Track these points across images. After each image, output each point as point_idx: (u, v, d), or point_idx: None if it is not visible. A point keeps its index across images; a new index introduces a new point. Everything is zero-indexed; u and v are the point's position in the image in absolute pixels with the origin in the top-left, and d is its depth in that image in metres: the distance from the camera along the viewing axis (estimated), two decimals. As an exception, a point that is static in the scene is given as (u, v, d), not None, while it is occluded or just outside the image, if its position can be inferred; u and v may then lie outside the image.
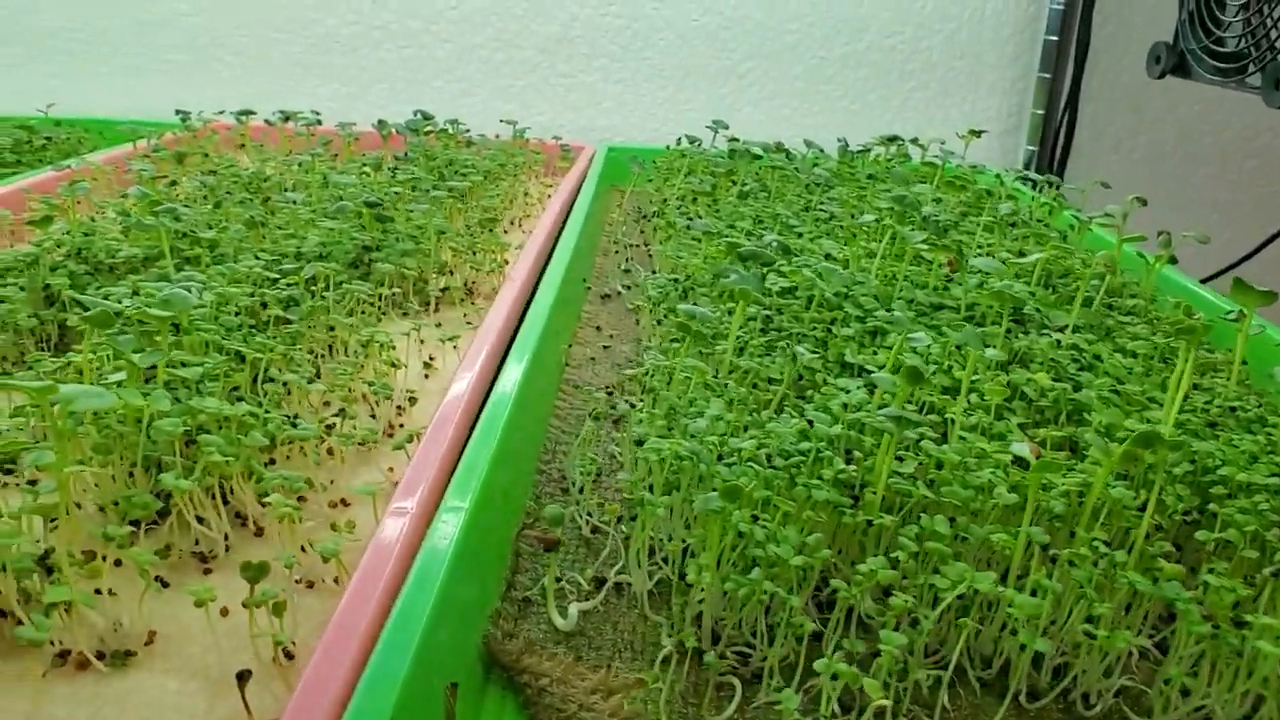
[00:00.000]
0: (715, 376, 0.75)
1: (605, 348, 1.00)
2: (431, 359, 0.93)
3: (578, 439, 0.76)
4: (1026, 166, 1.98)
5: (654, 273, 1.15)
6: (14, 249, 1.10)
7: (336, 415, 0.76)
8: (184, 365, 0.68)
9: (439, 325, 1.02)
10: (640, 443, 0.63)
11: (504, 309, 0.90)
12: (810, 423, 0.65)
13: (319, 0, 1.93)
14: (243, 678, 0.49)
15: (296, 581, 0.60)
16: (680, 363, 0.73)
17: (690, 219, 1.08)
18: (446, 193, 1.24)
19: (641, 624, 0.59)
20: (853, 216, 1.12)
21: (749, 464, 0.59)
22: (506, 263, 1.12)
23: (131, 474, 0.64)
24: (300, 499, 0.66)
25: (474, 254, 1.08)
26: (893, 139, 1.53)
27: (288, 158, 1.49)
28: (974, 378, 0.73)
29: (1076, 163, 1.92)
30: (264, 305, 0.86)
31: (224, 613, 0.58)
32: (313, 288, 0.93)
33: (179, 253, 1.00)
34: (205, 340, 0.73)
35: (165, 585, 0.60)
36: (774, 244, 0.92)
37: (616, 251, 1.31)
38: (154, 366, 0.66)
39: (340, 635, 0.47)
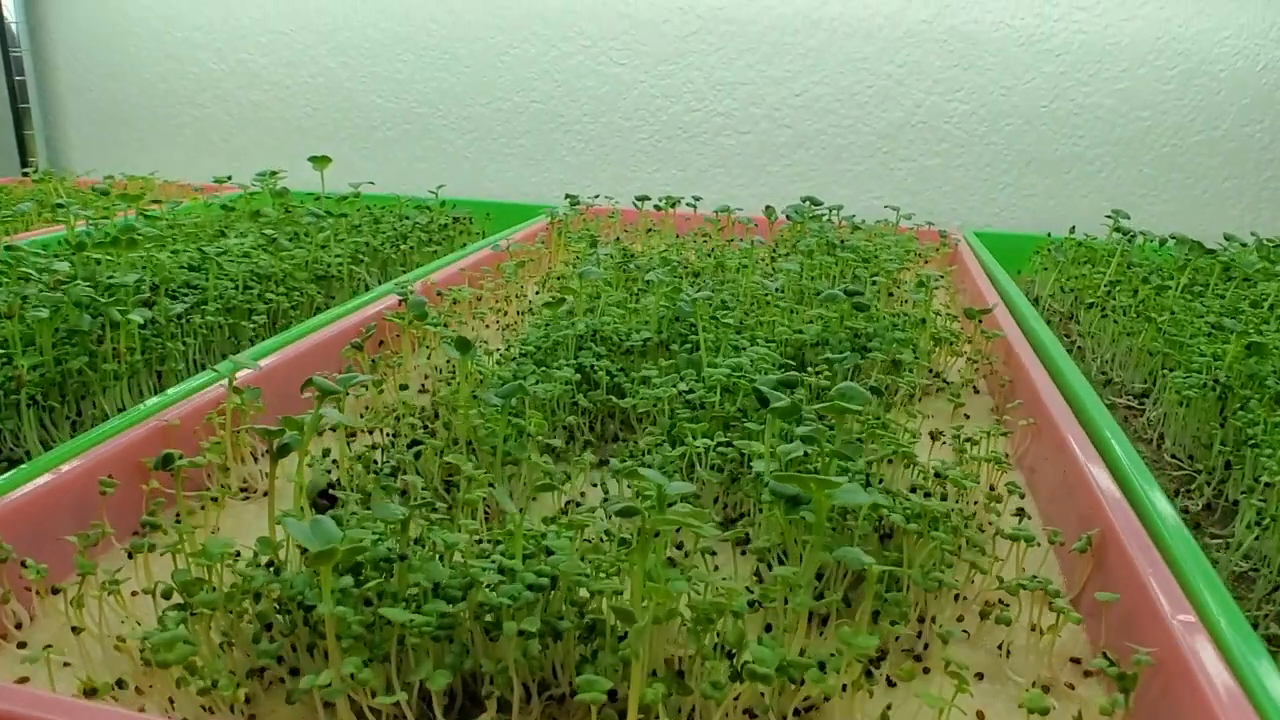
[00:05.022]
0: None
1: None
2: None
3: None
4: None
5: (1102, 358, 1.10)
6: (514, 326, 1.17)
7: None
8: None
9: (930, 416, 0.99)
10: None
11: (1056, 409, 0.86)
12: None
13: (666, 89, 2.01)
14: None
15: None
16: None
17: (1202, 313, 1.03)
18: (873, 282, 1.24)
19: None
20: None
21: None
22: (979, 352, 1.09)
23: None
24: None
25: (952, 342, 1.07)
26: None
27: (677, 238, 1.54)
28: None
29: None
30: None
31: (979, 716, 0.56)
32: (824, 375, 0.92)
33: (682, 338, 1.03)
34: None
35: (892, 684, 0.58)
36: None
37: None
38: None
39: None
